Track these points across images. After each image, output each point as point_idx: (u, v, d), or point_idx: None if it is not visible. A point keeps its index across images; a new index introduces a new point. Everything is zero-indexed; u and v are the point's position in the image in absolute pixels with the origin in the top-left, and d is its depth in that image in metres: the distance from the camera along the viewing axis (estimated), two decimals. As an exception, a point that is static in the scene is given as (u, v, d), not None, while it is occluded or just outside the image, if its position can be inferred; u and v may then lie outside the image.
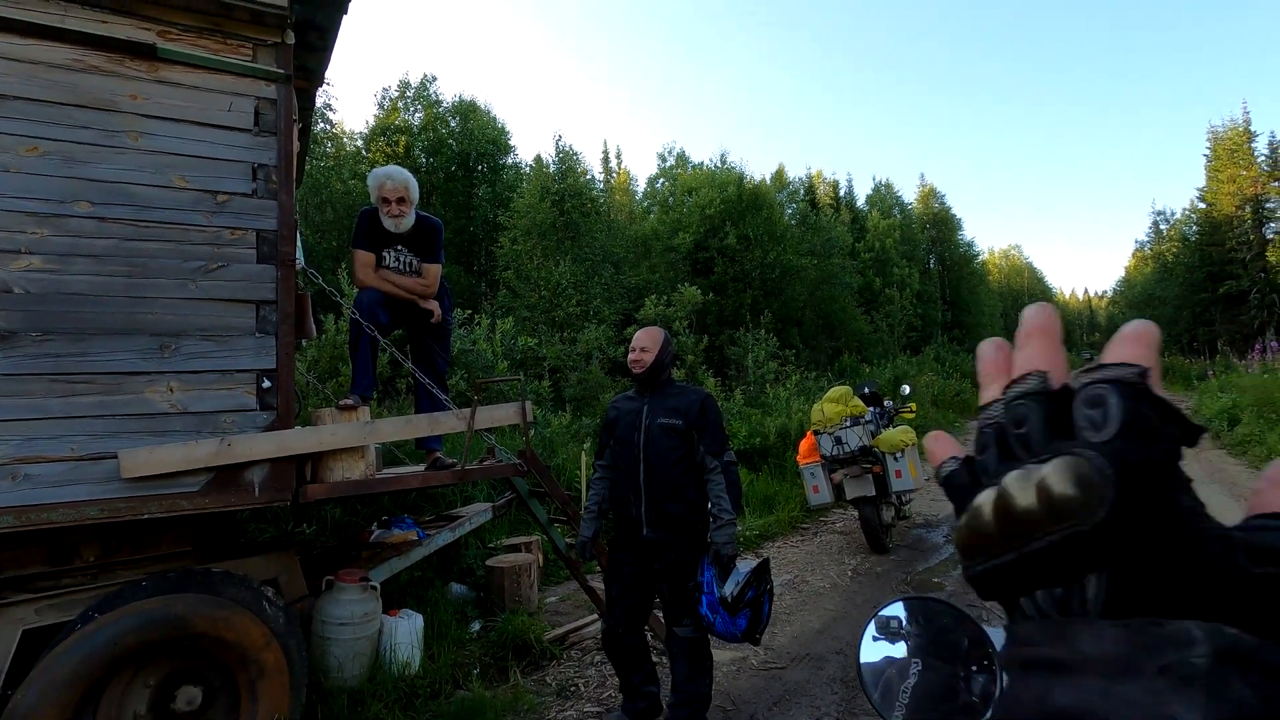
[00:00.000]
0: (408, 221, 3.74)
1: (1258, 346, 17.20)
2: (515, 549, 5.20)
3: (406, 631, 3.59)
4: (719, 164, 21.03)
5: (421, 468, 3.94)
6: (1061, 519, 0.30)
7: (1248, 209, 29.44)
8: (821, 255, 20.21)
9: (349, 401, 3.42)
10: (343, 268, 8.53)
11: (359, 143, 19.67)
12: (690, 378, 12.02)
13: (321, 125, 16.77)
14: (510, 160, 21.08)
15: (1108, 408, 0.32)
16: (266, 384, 2.94)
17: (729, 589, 2.77)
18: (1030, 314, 0.38)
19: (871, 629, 0.91)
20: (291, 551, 3.44)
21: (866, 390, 6.78)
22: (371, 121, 20.46)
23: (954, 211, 37.83)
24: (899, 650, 0.90)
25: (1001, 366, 0.39)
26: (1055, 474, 0.31)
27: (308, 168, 13.24)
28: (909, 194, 37.64)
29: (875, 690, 0.86)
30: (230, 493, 2.82)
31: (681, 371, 12.09)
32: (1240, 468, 8.77)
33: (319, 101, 6.00)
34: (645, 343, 3.05)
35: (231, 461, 2.79)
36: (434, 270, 3.87)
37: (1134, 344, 0.35)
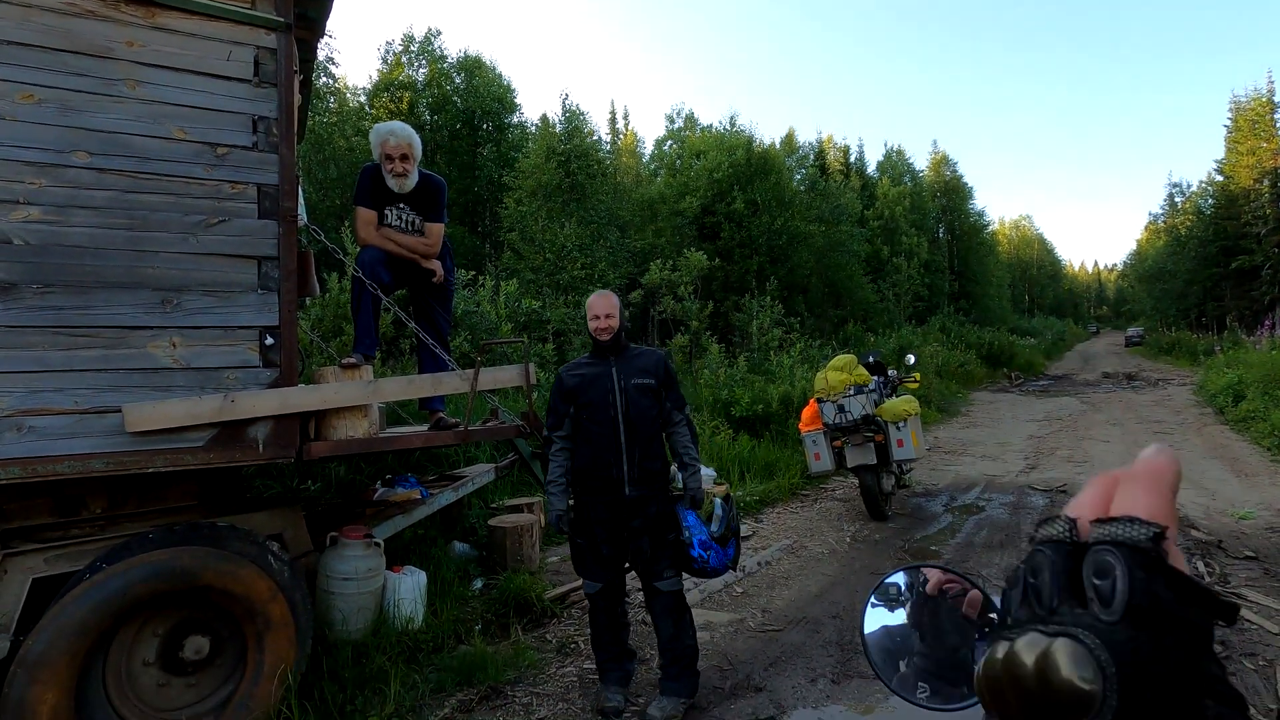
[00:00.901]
0: (410, 181, 3.68)
1: (1267, 322, 17.06)
2: (517, 509, 5.25)
3: (410, 587, 3.64)
4: (728, 127, 20.67)
5: (425, 428, 3.95)
6: (1065, 711, 0.27)
7: (1266, 182, 28.89)
8: (830, 222, 19.98)
9: (352, 360, 3.41)
10: (346, 226, 8.46)
11: (362, 98, 19.35)
12: (694, 344, 12.00)
13: (324, 79, 16.46)
14: (516, 119, 20.75)
15: (1115, 580, 0.29)
16: (269, 341, 2.93)
17: (716, 526, 3.04)
18: (1147, 455, 0.34)
19: (873, 596, 0.91)
20: (297, 508, 3.47)
21: (871, 359, 6.75)
22: (375, 77, 20.12)
23: (965, 180, 37.25)
24: (899, 617, 0.90)
25: (1101, 499, 0.35)
26: (1059, 656, 0.28)
27: (310, 123, 13.03)
28: (921, 161, 37.01)
29: (878, 656, 0.86)
30: (235, 448, 2.83)
31: (686, 337, 12.07)
32: (1243, 444, 8.77)
33: (321, 55, 5.86)
34: (608, 308, 3.04)
35: (235, 418, 2.80)
36: (437, 229, 3.83)
37: (1149, 489, 0.31)
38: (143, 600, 2.62)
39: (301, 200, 3.44)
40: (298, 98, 3.43)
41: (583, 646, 3.67)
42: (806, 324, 16.57)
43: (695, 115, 25.01)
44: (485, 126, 20.03)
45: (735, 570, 3.44)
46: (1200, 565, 4.58)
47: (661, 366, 3.10)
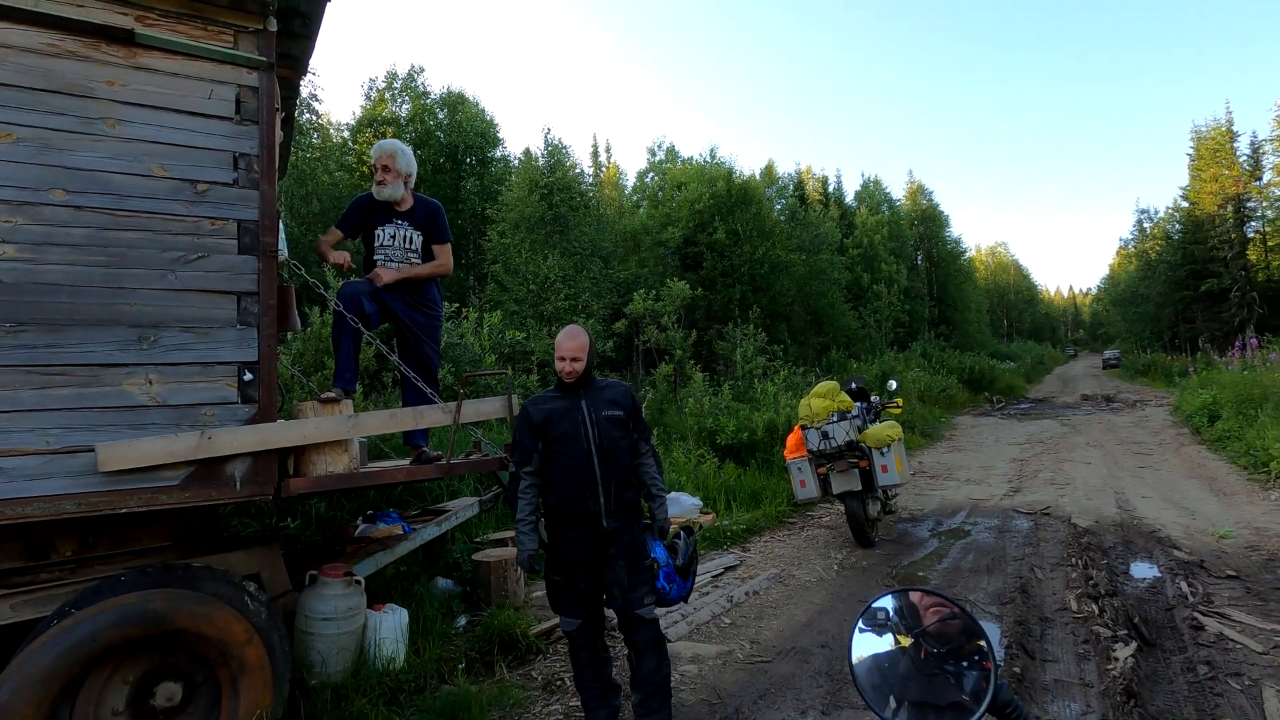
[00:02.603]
0: (389, 191, 3.79)
1: (1237, 343, 17.43)
2: (502, 543, 5.18)
3: (391, 626, 3.56)
4: (708, 159, 21.03)
5: (407, 462, 3.91)
6: None
7: (1229, 208, 29.83)
8: (810, 251, 20.26)
9: (331, 394, 3.39)
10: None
11: (345, 134, 19.48)
12: (679, 373, 12.02)
13: (307, 116, 16.57)
14: (499, 153, 20.96)
15: None
16: (248, 377, 2.90)
17: (679, 558, 3.12)
18: None
19: (861, 621, 0.90)
20: (274, 546, 3.40)
21: (854, 385, 6.80)
22: (358, 113, 20.28)
23: (941, 208, 38.08)
24: (888, 643, 0.89)
25: None
26: None
27: (293, 159, 13.08)
28: (898, 191, 37.85)
29: (868, 685, 0.85)
30: (211, 487, 2.78)
31: (670, 366, 12.09)
32: (1220, 463, 8.89)
33: (304, 91, 5.91)
34: (575, 350, 2.97)
35: (212, 455, 2.75)
36: (446, 249, 4.00)
37: None
38: (113, 646, 2.54)
39: (283, 235, 3.45)
40: (280, 134, 3.46)
41: (569, 684, 3.59)
42: (789, 351, 16.68)
43: (676, 148, 25.40)
44: (468, 160, 20.21)
45: (687, 602, 3.61)
46: (1183, 585, 4.60)
47: (628, 397, 3.09)
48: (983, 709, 0.75)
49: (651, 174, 24.61)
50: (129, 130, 2.77)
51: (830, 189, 32.34)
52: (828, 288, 20.77)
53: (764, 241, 18.00)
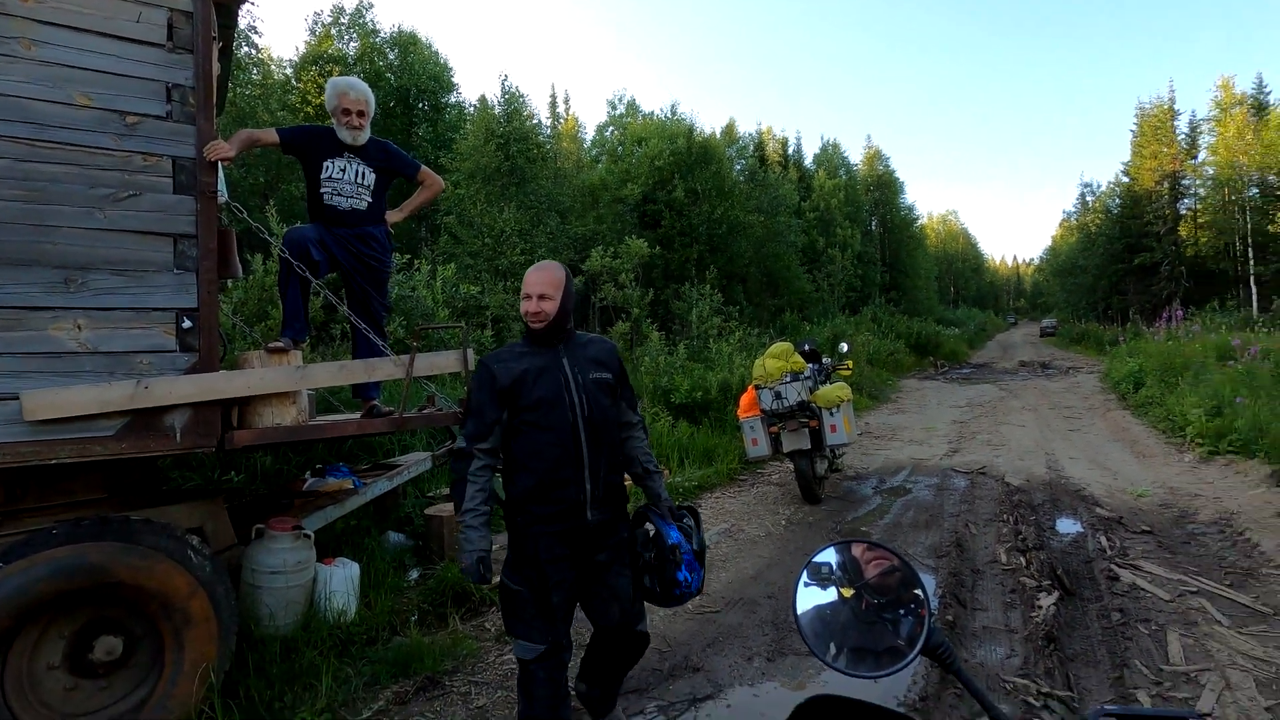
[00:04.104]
0: (364, 135, 3.65)
1: (1164, 315, 18.37)
2: (455, 498, 5.16)
3: (342, 580, 3.53)
4: (669, 115, 20.67)
5: (358, 416, 3.83)
6: None
7: (1166, 185, 31.04)
8: (768, 213, 20.31)
9: (279, 344, 3.27)
10: (271, 205, 8.06)
11: (288, 71, 18.41)
12: (635, 331, 12.02)
13: (246, 49, 15.58)
14: (453, 99, 20.18)
15: None
16: (187, 324, 2.76)
17: (697, 542, 2.46)
18: None
19: (805, 575, 0.94)
20: (218, 499, 3.31)
21: (806, 347, 6.93)
22: (302, 49, 19.17)
23: (897, 175, 38.52)
24: (831, 594, 0.93)
25: None
26: None
27: (231, 95, 12.33)
28: (855, 155, 38.04)
29: (810, 634, 0.89)
30: (149, 438, 2.67)
31: (627, 324, 12.07)
32: (1142, 427, 9.45)
33: (242, 22, 5.53)
34: (545, 288, 2.30)
35: (149, 405, 2.64)
36: (426, 170, 3.97)
37: None
38: (46, 600, 2.45)
39: (222, 176, 3.26)
40: (217, 66, 3.23)
41: (522, 634, 3.65)
42: (745, 312, 16.85)
43: (637, 102, 24.94)
44: (421, 105, 19.41)
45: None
46: (1103, 540, 4.92)
47: (615, 356, 2.48)
48: (915, 651, 0.79)
49: (611, 128, 24.11)
50: (47, 53, 2.55)
51: (790, 151, 32.33)
52: (784, 250, 20.92)
53: (723, 201, 17.95)
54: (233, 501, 4.02)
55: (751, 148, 26.83)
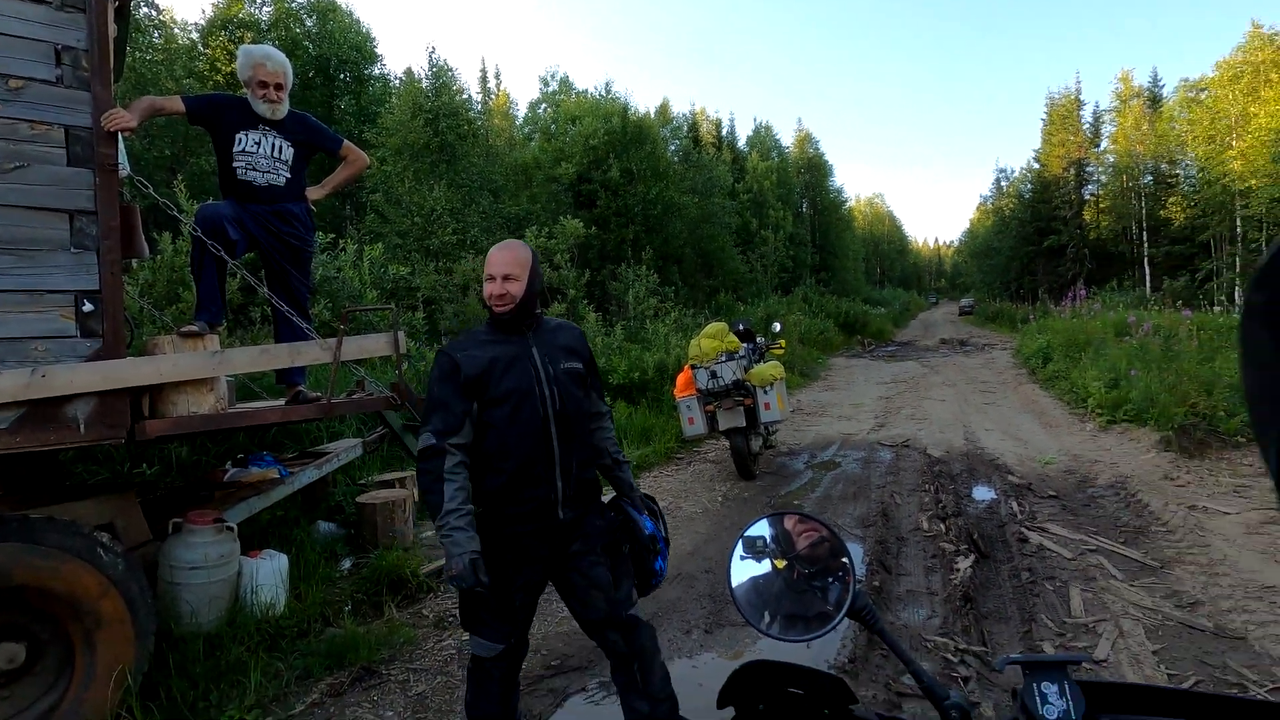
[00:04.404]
0: (283, 109, 3.45)
1: (1070, 295, 19.62)
2: (388, 484, 5.04)
3: (269, 572, 3.40)
4: (603, 93, 20.44)
5: (282, 402, 3.67)
6: None
7: (1072, 171, 32.98)
8: (703, 194, 20.45)
9: (193, 328, 3.09)
10: (179, 179, 7.55)
11: (194, 35, 17.20)
12: (572, 312, 11.94)
13: (145, 9, 14.44)
14: (376, 71, 19.34)
15: None
16: (88, 307, 2.58)
17: (664, 528, 2.42)
18: None
19: (739, 548, 0.97)
20: (130, 493, 3.12)
21: (741, 327, 7.06)
22: (209, 12, 17.91)
23: (827, 158, 39.42)
24: (765, 566, 0.97)
25: None
26: None
27: (130, 60, 11.42)
28: (787, 138, 38.66)
29: (745, 605, 0.92)
30: (49, 430, 2.48)
31: (563, 305, 11.98)
32: (1049, 399, 10.10)
33: (141, -21, 5.08)
34: (510, 268, 2.12)
35: (48, 395, 2.45)
36: (350, 146, 3.76)
37: None
38: (-66, 608, 2.27)
39: (123, 148, 3.02)
40: (113, 27, 2.98)
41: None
42: (680, 293, 16.97)
43: (570, 79, 24.48)
44: (342, 76, 18.51)
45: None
46: (1014, 505, 5.26)
47: (584, 343, 2.33)
48: (842, 614, 0.84)
49: (544, 105, 23.66)
50: (-89, 6, 2.30)
51: (724, 132, 32.56)
52: (719, 231, 21.14)
53: (658, 182, 17.95)
54: (146, 495, 3.80)
55: (686, 128, 26.87)
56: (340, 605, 3.65)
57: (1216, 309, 15.80)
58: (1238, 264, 21.99)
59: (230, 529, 3.25)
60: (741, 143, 33.60)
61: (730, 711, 0.82)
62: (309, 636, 3.33)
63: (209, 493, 3.81)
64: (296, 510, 4.50)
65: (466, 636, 3.41)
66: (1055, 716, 0.63)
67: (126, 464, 4.48)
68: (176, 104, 3.30)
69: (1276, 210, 14.42)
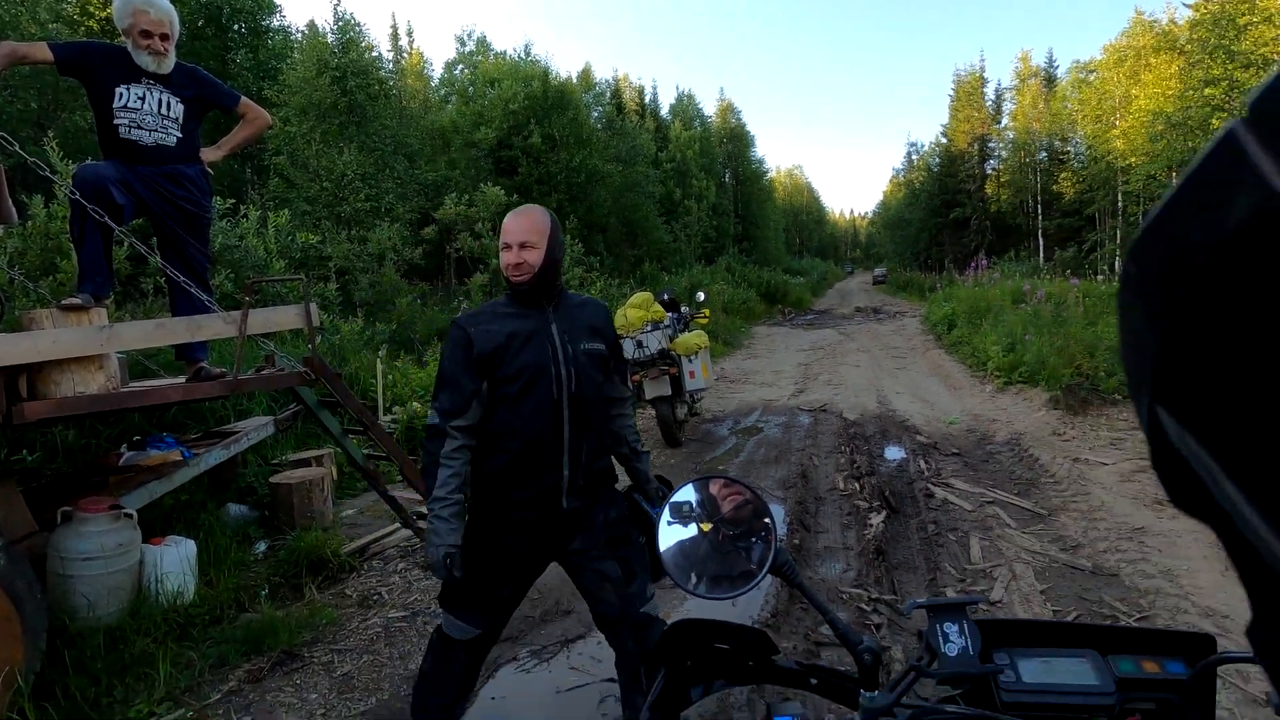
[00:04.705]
0: (169, 62, 3.16)
1: (973, 264, 20.79)
2: (304, 463, 4.84)
3: (175, 559, 3.22)
4: (523, 55, 19.82)
5: (183, 380, 3.44)
6: None
7: (976, 146, 34.72)
8: (626, 162, 20.30)
9: (75, 300, 2.83)
10: (50, 137, 6.82)
11: (61, -25, 15.42)
12: (494, 283, 11.69)
13: (-1, -57, 12.80)
14: (276, 23, 17.99)
15: None
16: (-53, 278, 2.31)
17: None
18: None
19: (666, 514, 1.00)
20: (8, 483, 2.87)
21: (666, 297, 7.12)
22: (77, -52, 16.08)
23: (748, 128, 39.85)
24: (691, 530, 1.00)
25: None
26: None
27: (-17, -1, 10.16)
28: (709, 107, 38.77)
29: (673, 568, 0.95)
30: (-94, 415, 2.24)
31: (486, 275, 11.71)
32: (954, 363, 10.74)
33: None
34: (528, 234, 1.98)
35: (-97, 376, 2.20)
36: (248, 102, 3.54)
37: None
38: None
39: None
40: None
41: (387, 596, 3.55)
42: (605, 263, 16.90)
43: (488, 39, 23.61)
44: (236, 28, 17.11)
45: None
46: (921, 463, 5.60)
47: (610, 324, 2.19)
48: (764, 571, 0.87)
49: (461, 66, 22.74)
50: None
51: (647, 100, 32.29)
52: (643, 200, 21.09)
53: (581, 149, 17.67)
54: (28, 484, 3.51)
55: (609, 95, 26.48)
56: (256, 590, 3.50)
57: (1100, 278, 17.13)
58: (1118, 236, 23.90)
59: (129, 516, 3.04)
60: (664, 111, 33.45)
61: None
62: (223, 624, 3.19)
63: (102, 478, 3.55)
64: (203, 493, 4.26)
65: (393, 613, 3.37)
66: (955, 653, 0.68)
67: (3, 450, 4.11)
68: (43, 52, 2.96)
69: (1153, 186, 15.70)
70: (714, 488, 1.05)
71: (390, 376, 7.09)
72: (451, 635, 2.03)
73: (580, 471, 2.00)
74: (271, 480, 4.44)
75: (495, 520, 2.00)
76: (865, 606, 3.30)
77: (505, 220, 2.03)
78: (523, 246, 1.97)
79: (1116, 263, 22.55)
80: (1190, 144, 13.31)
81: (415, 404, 6.38)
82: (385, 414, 6.44)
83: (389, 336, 8.75)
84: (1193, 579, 3.42)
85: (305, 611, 3.31)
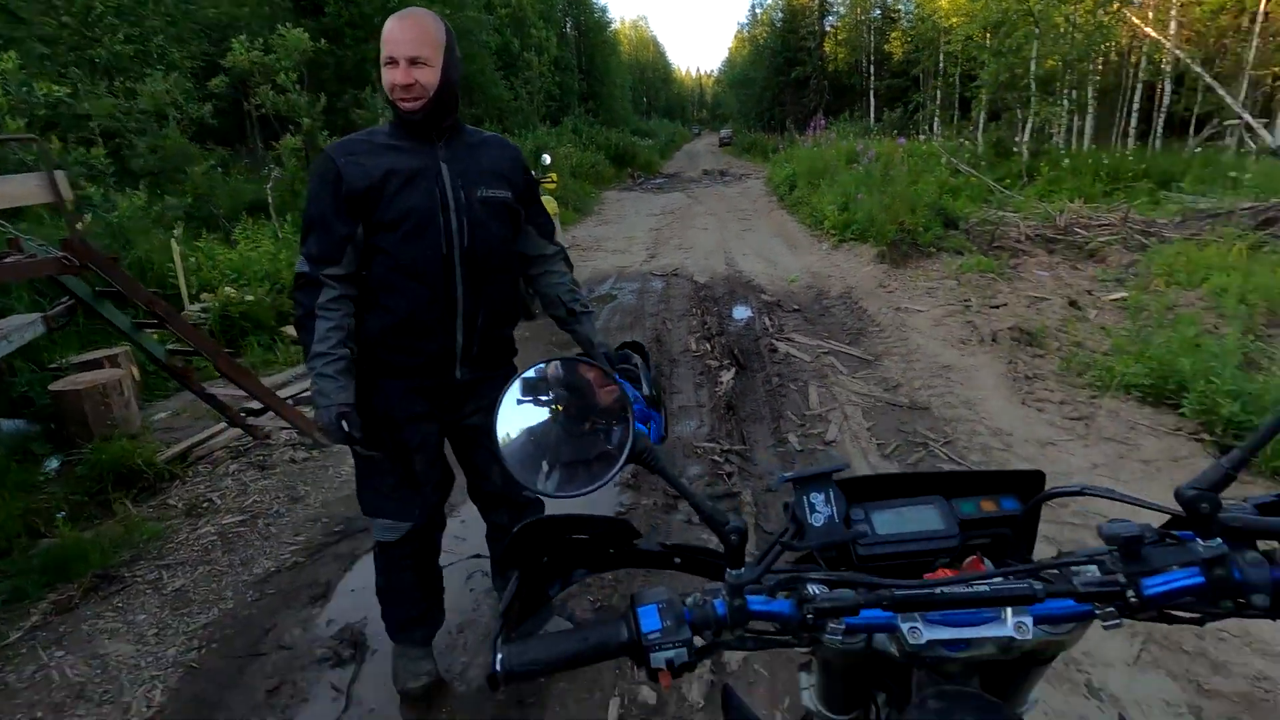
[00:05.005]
0: None
1: (812, 125, 21.35)
2: (93, 365, 4.16)
3: (-70, 491, 2.69)
4: None
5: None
6: None
7: (816, 1, 34.60)
8: (455, 5, 18.04)
9: None
10: None
11: None
12: (310, 146, 10.28)
13: None
14: None
15: None
16: None
17: (647, 385, 1.97)
18: None
19: (516, 389, 0.88)
20: None
21: (509, 160, 6.62)
22: None
23: (588, -29, 36.72)
24: (542, 412, 0.89)
25: None
26: None
27: None
28: (545, -57, 34.97)
29: (516, 464, 0.84)
30: None
31: (298, 138, 10.23)
32: (795, 223, 11.22)
33: None
34: (419, 48, 1.61)
35: None
36: None
37: None
38: None
39: None
40: None
41: (219, 502, 3.25)
42: (441, 124, 15.40)
43: None
44: None
45: (666, 440, 2.12)
46: (766, 320, 5.90)
47: (520, 167, 1.87)
48: (625, 455, 0.79)
49: None
50: None
51: (473, -70, 28.42)
52: (477, 50, 19.11)
53: (400, -13, 15.39)
54: None
55: (427, -80, 22.94)
56: (52, 512, 3.06)
57: (922, 138, 18.30)
58: (938, 97, 25.43)
59: None
60: (495, -55, 29.73)
61: None
62: (13, 554, 2.77)
63: None
64: (-40, 410, 3.56)
65: (228, 519, 3.10)
66: (821, 523, 0.65)
67: None
68: None
69: (970, 48, 16.61)
70: (567, 366, 0.93)
71: (193, 259, 6.17)
72: (387, 539, 1.88)
73: (476, 338, 1.79)
74: (52, 388, 3.78)
75: (377, 387, 1.78)
76: (718, 458, 3.50)
77: (386, 27, 1.64)
78: (413, 62, 1.60)
79: (936, 123, 24.19)
80: (1003, 5, 14.03)
81: (229, 289, 5.64)
82: (193, 303, 5.65)
83: (184, 212, 7.53)
84: (985, 406, 3.96)
85: (120, 529, 2.96)
